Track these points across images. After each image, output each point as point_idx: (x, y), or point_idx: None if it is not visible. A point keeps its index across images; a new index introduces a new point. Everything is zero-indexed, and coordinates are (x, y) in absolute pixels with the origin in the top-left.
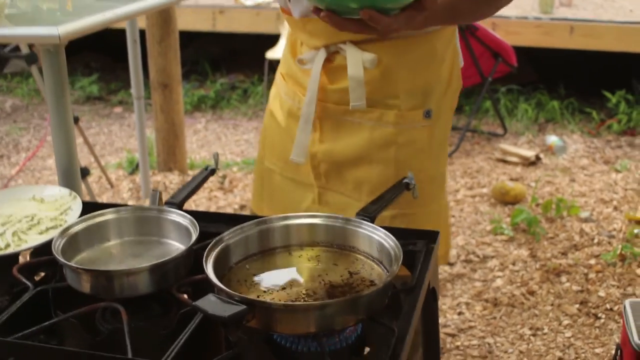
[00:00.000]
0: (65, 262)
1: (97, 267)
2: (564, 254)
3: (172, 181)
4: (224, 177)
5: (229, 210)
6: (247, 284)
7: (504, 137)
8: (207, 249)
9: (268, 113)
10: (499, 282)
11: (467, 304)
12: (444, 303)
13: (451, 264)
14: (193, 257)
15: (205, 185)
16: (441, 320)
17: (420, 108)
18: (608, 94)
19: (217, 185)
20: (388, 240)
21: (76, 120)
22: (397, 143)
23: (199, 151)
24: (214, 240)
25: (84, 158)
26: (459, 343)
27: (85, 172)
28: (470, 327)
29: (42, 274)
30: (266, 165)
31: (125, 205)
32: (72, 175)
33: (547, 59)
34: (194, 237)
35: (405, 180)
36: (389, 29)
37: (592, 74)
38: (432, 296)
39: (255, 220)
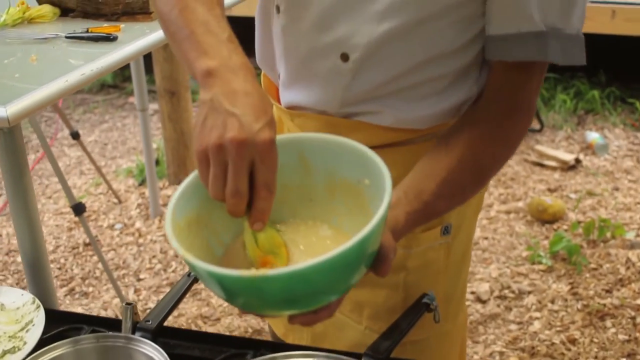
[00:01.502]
0: None
1: None
2: (609, 291)
3: None
4: None
5: None
6: None
7: (540, 132)
8: None
9: None
10: (536, 325)
11: (501, 353)
12: (475, 352)
13: (484, 302)
14: None
15: None
16: None
17: (437, 226)
18: None
19: None
20: None
21: (76, 135)
22: (407, 268)
23: None
24: None
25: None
26: None
27: (81, 209)
28: None
29: None
30: None
31: (89, 326)
32: (40, 273)
33: (587, 45)
34: None
35: (425, 301)
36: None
37: (635, 61)
38: None
39: None
